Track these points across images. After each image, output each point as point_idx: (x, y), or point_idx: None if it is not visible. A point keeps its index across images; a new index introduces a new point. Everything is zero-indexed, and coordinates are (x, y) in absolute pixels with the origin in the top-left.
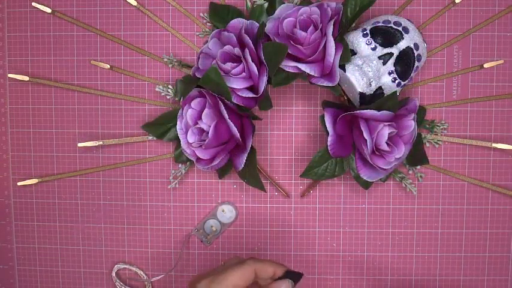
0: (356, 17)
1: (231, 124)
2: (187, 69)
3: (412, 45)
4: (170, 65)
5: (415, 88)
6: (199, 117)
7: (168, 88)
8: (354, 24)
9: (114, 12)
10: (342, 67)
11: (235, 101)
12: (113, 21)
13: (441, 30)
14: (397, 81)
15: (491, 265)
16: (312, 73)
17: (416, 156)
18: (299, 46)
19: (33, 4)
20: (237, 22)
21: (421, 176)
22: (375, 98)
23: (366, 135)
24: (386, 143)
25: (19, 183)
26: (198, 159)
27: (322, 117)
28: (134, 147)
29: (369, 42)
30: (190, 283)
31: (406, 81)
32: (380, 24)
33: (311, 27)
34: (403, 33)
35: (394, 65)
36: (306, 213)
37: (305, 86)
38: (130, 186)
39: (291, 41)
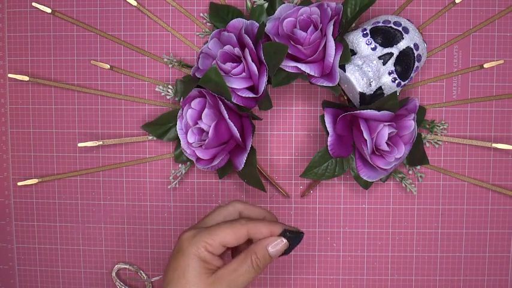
0: (356, 17)
1: (231, 124)
2: (187, 69)
3: (412, 45)
4: (170, 65)
5: (415, 88)
6: (199, 117)
7: (168, 88)
8: (354, 24)
9: (114, 12)
10: (342, 67)
11: (235, 101)
12: (113, 21)
13: (441, 30)
14: (397, 81)
15: (491, 265)
16: (312, 73)
17: (416, 156)
18: (299, 46)
19: (33, 4)
20: (237, 22)
21: (421, 176)
22: (375, 98)
23: (365, 135)
24: (386, 143)
25: (19, 183)
26: (198, 159)
27: (322, 117)
28: (134, 147)
29: (368, 42)
30: (181, 234)
31: (406, 81)
32: (380, 24)
33: (311, 27)
34: (403, 33)
35: (394, 65)
36: (306, 213)
37: (305, 86)
38: (131, 186)
39: (291, 41)
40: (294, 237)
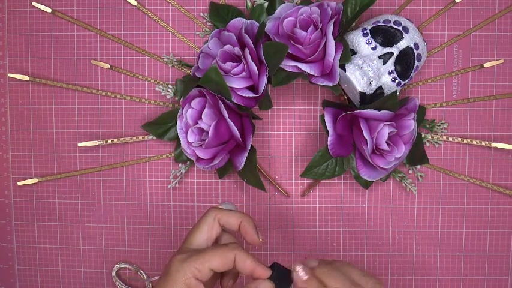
0: (356, 16)
1: (231, 124)
2: (187, 69)
3: (412, 45)
4: (170, 65)
5: (415, 88)
6: (200, 117)
7: (168, 88)
8: (354, 24)
9: (114, 12)
10: (342, 67)
11: (235, 101)
12: (113, 21)
13: (441, 29)
14: (397, 81)
15: (491, 265)
16: (312, 73)
17: (417, 155)
18: (299, 46)
19: (33, 4)
20: (237, 22)
21: (421, 176)
22: (375, 98)
23: (366, 134)
24: (386, 142)
25: (19, 183)
26: (198, 158)
27: (322, 116)
28: (134, 147)
29: (369, 41)
30: (173, 256)
31: (406, 80)
32: (380, 24)
33: (311, 27)
34: (403, 32)
35: (394, 65)
36: (306, 213)
37: (305, 86)
38: (131, 186)
39: (291, 41)
40: (282, 283)
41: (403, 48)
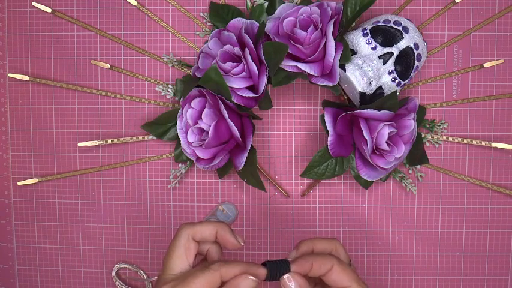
0: (356, 16)
1: (231, 124)
2: (188, 69)
3: (412, 45)
4: (170, 65)
5: (415, 88)
6: (200, 117)
7: (168, 88)
8: (354, 24)
9: (114, 12)
10: (342, 67)
11: (235, 101)
12: (113, 21)
13: (441, 29)
14: (397, 81)
15: (491, 265)
16: (312, 73)
17: (417, 155)
18: (299, 46)
19: (33, 4)
20: (237, 22)
21: (421, 176)
22: (375, 98)
23: (365, 134)
24: (386, 142)
25: (19, 183)
26: (198, 158)
27: (322, 116)
28: (134, 147)
29: (369, 41)
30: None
31: (406, 80)
32: (380, 24)
33: (311, 27)
34: (403, 32)
35: (394, 65)
36: (306, 213)
37: (305, 86)
38: (131, 186)
39: (291, 41)
40: (274, 271)
41: (403, 48)
